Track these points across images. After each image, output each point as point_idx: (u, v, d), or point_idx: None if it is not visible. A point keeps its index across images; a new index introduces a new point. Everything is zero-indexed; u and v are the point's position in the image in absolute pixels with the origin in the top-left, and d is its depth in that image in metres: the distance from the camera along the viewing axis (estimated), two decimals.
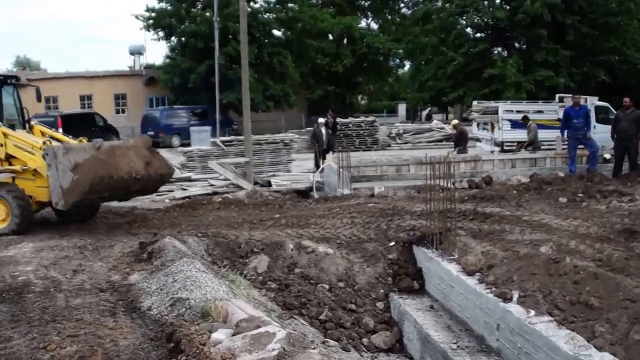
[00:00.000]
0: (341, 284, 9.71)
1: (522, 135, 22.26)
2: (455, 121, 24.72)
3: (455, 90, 38.06)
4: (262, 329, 5.86)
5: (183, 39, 43.29)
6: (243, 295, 7.96)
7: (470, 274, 8.52)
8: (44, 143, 13.00)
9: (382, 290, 9.76)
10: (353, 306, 9.41)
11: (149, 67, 51.23)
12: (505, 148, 23.03)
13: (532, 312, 7.14)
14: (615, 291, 7.02)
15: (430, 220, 9.85)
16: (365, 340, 8.95)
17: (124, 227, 13.25)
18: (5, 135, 13.42)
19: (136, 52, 52.97)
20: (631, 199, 12.78)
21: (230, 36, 39.24)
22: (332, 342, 8.30)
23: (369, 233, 10.99)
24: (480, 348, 7.78)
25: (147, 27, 44.58)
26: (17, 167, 13.18)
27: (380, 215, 12.00)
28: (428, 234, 9.82)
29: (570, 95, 25.64)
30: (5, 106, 14.24)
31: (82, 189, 12.22)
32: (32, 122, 14.31)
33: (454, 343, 7.90)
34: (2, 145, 13.36)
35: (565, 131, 16.81)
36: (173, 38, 44.93)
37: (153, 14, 43.80)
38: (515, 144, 22.92)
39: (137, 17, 44.58)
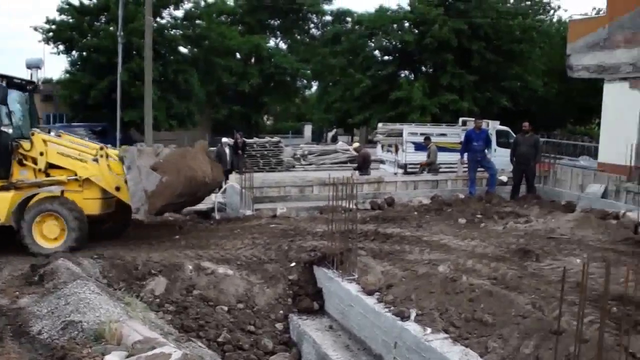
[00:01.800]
0: (240, 306, 9.57)
1: (425, 157, 22.66)
2: (357, 144, 24.91)
3: (361, 112, 38.44)
4: (157, 350, 5.72)
5: (84, 53, 42.07)
6: (139, 317, 7.73)
7: (369, 293, 8.55)
8: (101, 148, 12.21)
9: (281, 311, 9.67)
10: (252, 327, 9.28)
11: (46, 81, 49.57)
12: (409, 170, 23.34)
13: (429, 330, 7.22)
14: (508, 308, 7.15)
15: (331, 241, 9.85)
16: None
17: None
18: (45, 142, 12.30)
19: (34, 65, 51.11)
20: (527, 220, 13.14)
21: (134, 52, 38.36)
22: None
23: (270, 254, 10.90)
24: None
25: (47, 40, 43.07)
26: (63, 178, 12.12)
27: (281, 236, 11.95)
28: (329, 255, 9.82)
29: (473, 119, 26.45)
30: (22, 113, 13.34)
31: (172, 191, 11.58)
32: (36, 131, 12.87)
33: None
34: (42, 154, 12.23)
35: (466, 154, 17.17)
36: (74, 52, 43.61)
37: (53, 27, 42.42)
38: (419, 166, 23.30)
39: (35, 29, 43.02)
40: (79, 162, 12.19)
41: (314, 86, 53.26)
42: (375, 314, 8.04)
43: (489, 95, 37.85)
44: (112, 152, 12.34)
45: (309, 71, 49.68)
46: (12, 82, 12.81)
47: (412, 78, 40.01)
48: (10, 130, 12.44)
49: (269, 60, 48.70)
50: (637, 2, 18.20)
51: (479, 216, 13.51)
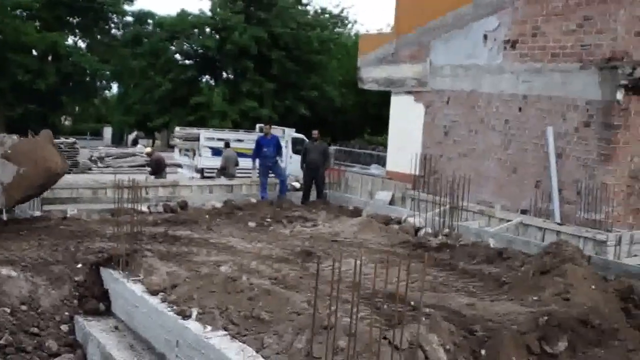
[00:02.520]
0: (24, 307, 9.31)
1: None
2: (149, 149, 24.81)
3: (161, 116, 38.16)
4: None
5: None
6: None
7: (153, 293, 8.70)
8: None
9: (67, 313, 9.52)
10: (36, 329, 9.07)
11: None
12: (206, 174, 23.59)
13: (209, 328, 7.50)
14: (284, 305, 7.60)
15: (118, 243, 9.89)
16: None
17: None
18: None
19: None
20: (314, 224, 13.82)
21: None
22: None
23: (57, 255, 10.68)
24: None
25: None
26: None
27: (69, 238, 11.73)
28: (115, 256, 9.84)
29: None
30: None
31: (30, 182, 11.24)
32: None
33: None
34: None
35: (257, 160, 17.61)
36: None
37: None
38: (216, 170, 23.62)
39: None
40: None
41: (114, 87, 51.94)
42: (158, 313, 8.21)
43: (288, 103, 38.93)
44: None
45: (108, 72, 48.39)
46: None
47: (213, 83, 40.27)
48: None
49: (67, 58, 46.87)
50: (421, 22, 19.66)
51: (268, 220, 14.00)
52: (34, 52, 47.18)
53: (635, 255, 12.85)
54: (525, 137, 16.75)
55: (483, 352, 7.04)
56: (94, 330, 8.99)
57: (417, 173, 19.06)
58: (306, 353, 6.76)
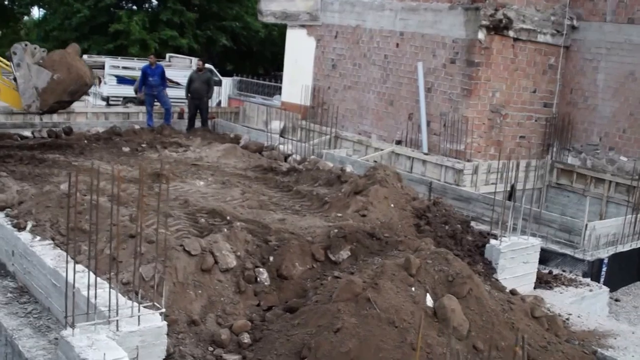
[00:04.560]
0: None
1: (127, 90, 23.50)
2: None
3: (80, 43, 37.73)
4: None
5: None
6: None
7: (0, 209, 9.60)
8: None
9: None
10: None
11: None
12: (111, 103, 24.13)
13: (38, 238, 8.48)
14: (107, 219, 8.53)
15: None
16: None
17: None
18: None
19: None
20: (185, 150, 14.67)
21: None
22: None
23: None
24: None
25: None
26: None
27: None
28: None
29: (186, 56, 27.76)
30: None
31: (64, 88, 11.96)
32: None
33: None
34: None
35: (143, 87, 18.15)
36: None
37: None
38: (122, 99, 24.17)
39: None
40: None
41: (34, 12, 50.72)
42: (0, 227, 9.15)
43: (209, 33, 38.97)
44: None
45: None
46: None
47: (133, 11, 39.84)
48: None
49: None
50: None
51: (143, 145, 14.81)
52: None
53: (494, 184, 13.96)
54: (401, 72, 17.83)
55: (271, 258, 8.17)
56: None
57: (307, 104, 20.10)
58: (113, 258, 7.79)
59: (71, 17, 38.18)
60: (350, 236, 8.56)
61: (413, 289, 7.18)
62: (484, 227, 11.24)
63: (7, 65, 12.68)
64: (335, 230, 8.63)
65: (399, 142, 17.60)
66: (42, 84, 12.05)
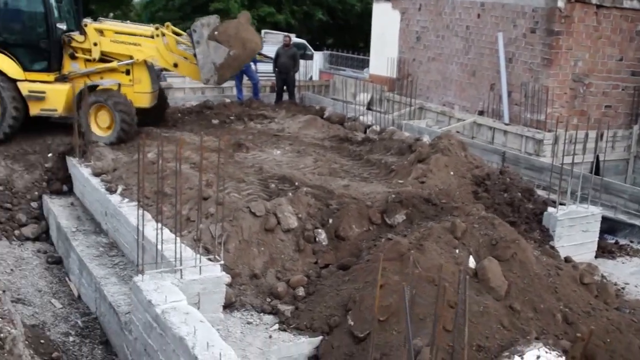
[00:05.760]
0: (0, 188, 11.50)
1: None
2: None
3: (182, 22, 39.33)
4: None
5: None
6: None
7: (96, 175, 10.74)
8: (157, 28, 13.09)
9: (37, 193, 11.66)
10: (9, 205, 11.25)
11: None
12: None
13: (126, 200, 9.56)
14: (185, 183, 9.45)
15: (74, 136, 11.82)
16: (17, 232, 10.90)
17: None
18: (101, 32, 13.00)
19: None
20: (270, 121, 15.49)
21: None
22: None
23: (35, 147, 12.74)
24: (95, 230, 10.08)
25: None
26: (113, 64, 12.94)
27: (46, 132, 13.38)
28: (75, 146, 11.84)
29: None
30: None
31: (239, 63, 13.01)
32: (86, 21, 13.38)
33: (76, 228, 10.11)
34: (96, 45, 12.90)
35: None
36: None
37: None
38: None
39: None
40: (133, 46, 13.07)
41: None
42: (96, 190, 10.28)
43: (305, 9, 39.67)
44: (166, 30, 13.41)
45: None
46: None
47: None
48: (64, 26, 13.30)
49: None
50: None
51: (231, 118, 15.72)
52: None
53: (576, 154, 14.10)
54: (482, 42, 18.10)
55: (331, 220, 8.91)
56: (54, 205, 11.11)
57: (393, 76, 20.64)
58: (187, 218, 8.73)
59: None
60: (406, 201, 9.16)
61: (457, 251, 7.78)
62: (554, 197, 11.45)
63: (186, 42, 13.49)
64: (393, 196, 9.26)
65: (481, 113, 17.91)
66: (220, 60, 12.75)
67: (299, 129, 14.51)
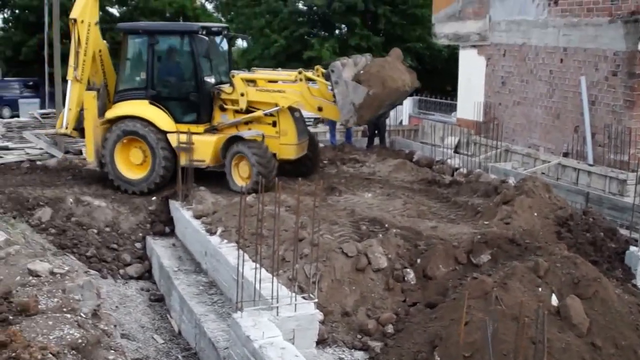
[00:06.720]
0: (108, 229, 12.24)
1: None
2: None
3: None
4: None
5: (17, 11, 43.66)
6: (18, 234, 10.43)
7: (197, 217, 11.39)
8: (299, 72, 13.17)
9: (141, 234, 12.39)
10: (115, 246, 11.99)
11: None
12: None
13: (225, 241, 10.14)
14: (281, 225, 9.92)
15: (177, 182, 12.57)
16: (122, 271, 11.63)
17: None
18: (245, 82, 13.33)
19: None
20: (362, 165, 15.96)
21: (65, 11, 39.91)
22: (92, 272, 10.92)
23: None
24: (195, 270, 10.65)
25: None
26: (258, 114, 13.21)
27: None
28: (178, 190, 12.58)
29: None
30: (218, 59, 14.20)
31: (379, 103, 12.53)
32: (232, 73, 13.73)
33: (177, 267, 10.75)
34: (243, 95, 13.21)
35: None
36: (6, 10, 45.03)
37: None
38: (312, 119, 25.93)
39: None
40: (278, 93, 13.26)
41: (239, 43, 54.67)
42: (197, 232, 10.92)
43: None
44: (309, 74, 13.45)
45: (232, 32, 50.75)
46: (210, 31, 14.01)
47: (324, 38, 42.18)
48: (213, 80, 13.84)
49: (195, 20, 50.03)
50: None
51: (325, 162, 16.22)
52: (167, 15, 50.65)
53: None
54: (565, 86, 18.21)
55: (419, 260, 9.24)
56: (157, 246, 11.81)
57: (480, 120, 20.89)
58: (282, 258, 9.21)
59: (269, 46, 41.31)
60: (491, 242, 9.38)
61: (540, 289, 7.96)
62: (637, 236, 11.50)
63: (325, 83, 13.27)
64: (479, 236, 9.51)
65: (566, 155, 17.91)
66: (359, 100, 12.36)
67: (389, 172, 14.91)
